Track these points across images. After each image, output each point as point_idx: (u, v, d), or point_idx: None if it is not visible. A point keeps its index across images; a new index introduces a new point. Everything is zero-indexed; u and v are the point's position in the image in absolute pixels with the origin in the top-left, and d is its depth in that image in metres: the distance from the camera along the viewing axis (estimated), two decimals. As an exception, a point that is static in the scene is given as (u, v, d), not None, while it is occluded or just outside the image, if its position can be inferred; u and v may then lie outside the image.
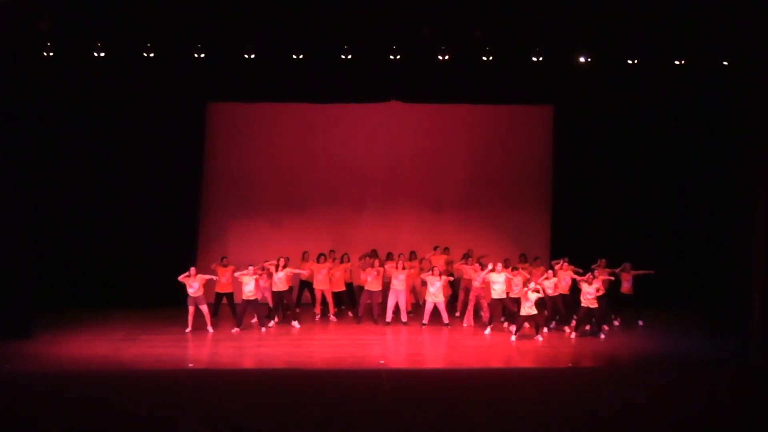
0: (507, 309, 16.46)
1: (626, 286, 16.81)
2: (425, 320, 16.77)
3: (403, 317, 16.88)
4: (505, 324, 16.56)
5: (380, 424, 10.79)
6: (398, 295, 16.85)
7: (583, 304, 15.77)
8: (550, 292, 16.21)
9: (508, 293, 16.31)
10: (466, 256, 17.66)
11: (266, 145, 19.27)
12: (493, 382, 12.96)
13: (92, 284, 17.97)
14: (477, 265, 17.03)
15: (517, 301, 16.08)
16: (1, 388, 12.37)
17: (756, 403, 11.87)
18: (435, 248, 18.32)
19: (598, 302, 15.78)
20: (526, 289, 15.65)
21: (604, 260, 16.89)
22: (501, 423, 10.83)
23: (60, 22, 14.61)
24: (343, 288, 17.66)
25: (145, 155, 18.29)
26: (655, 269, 16.92)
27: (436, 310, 16.62)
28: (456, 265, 17.66)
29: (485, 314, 16.80)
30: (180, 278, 15.95)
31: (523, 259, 18.58)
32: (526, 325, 16.08)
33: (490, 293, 16.62)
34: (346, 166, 19.40)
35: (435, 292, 16.54)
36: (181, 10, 14.92)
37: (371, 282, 16.94)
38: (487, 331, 16.36)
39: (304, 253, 17.80)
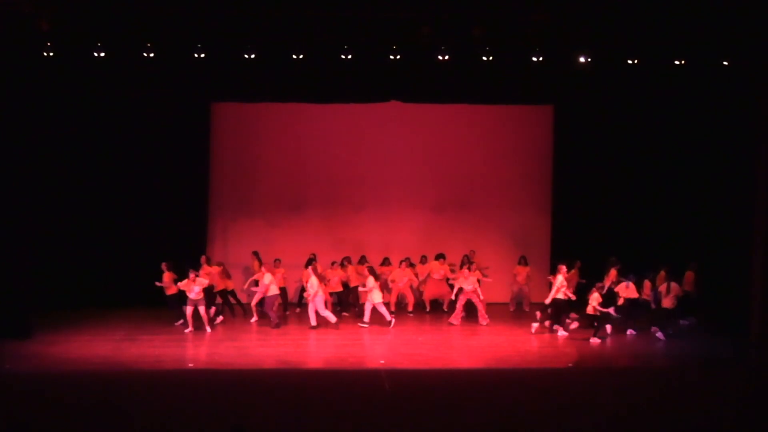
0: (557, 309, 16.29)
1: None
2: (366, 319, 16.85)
3: (387, 318, 16.84)
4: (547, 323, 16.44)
5: (380, 424, 10.79)
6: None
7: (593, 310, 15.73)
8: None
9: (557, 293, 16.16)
10: (467, 260, 17.68)
11: (266, 145, 19.31)
12: (494, 382, 12.95)
13: (92, 284, 17.96)
14: (466, 270, 17.02)
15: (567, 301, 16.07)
16: (1, 388, 12.37)
17: (756, 403, 11.86)
18: (436, 257, 18.36)
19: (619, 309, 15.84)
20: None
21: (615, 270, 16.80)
22: (501, 423, 10.81)
23: (60, 22, 14.60)
24: (340, 288, 17.71)
25: (149, 155, 18.35)
26: (654, 269, 16.88)
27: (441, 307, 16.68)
28: (455, 275, 17.71)
29: (481, 313, 16.91)
30: (181, 285, 15.97)
31: (524, 261, 18.64)
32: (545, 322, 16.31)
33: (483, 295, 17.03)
34: (346, 166, 19.42)
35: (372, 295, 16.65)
36: (181, 10, 14.91)
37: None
38: (535, 329, 16.32)
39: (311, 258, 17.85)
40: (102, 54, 15.43)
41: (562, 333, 16.17)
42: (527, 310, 18.67)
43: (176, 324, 16.57)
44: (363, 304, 17.19)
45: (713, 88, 16.99)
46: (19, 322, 15.27)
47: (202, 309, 16.04)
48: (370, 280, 16.65)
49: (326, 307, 16.80)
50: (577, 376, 13.62)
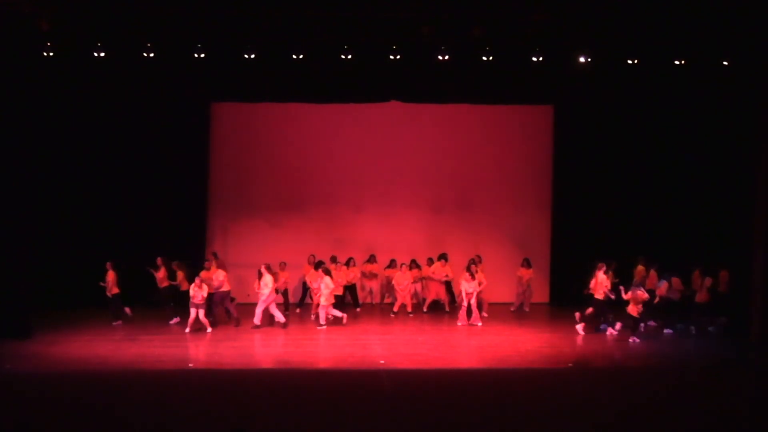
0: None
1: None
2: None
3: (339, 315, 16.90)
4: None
5: (380, 424, 10.78)
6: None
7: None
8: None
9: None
10: (473, 262, 17.73)
11: (267, 145, 19.32)
12: (493, 382, 12.95)
13: (92, 284, 17.93)
14: (468, 275, 17.06)
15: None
16: (1, 388, 12.37)
17: (756, 404, 11.86)
18: (438, 257, 18.36)
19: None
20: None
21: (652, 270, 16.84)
22: (501, 423, 10.82)
23: (60, 22, 14.61)
24: (340, 292, 17.75)
25: (149, 155, 18.37)
26: (654, 269, 16.89)
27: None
28: (458, 280, 17.66)
29: (475, 313, 16.98)
30: (192, 292, 15.95)
31: (527, 263, 18.61)
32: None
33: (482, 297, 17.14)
34: (346, 166, 19.43)
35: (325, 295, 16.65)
36: (181, 10, 14.92)
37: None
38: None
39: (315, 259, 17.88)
40: (102, 54, 15.44)
41: (611, 332, 16.17)
42: (527, 310, 18.71)
43: (114, 324, 16.53)
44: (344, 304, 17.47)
45: (713, 88, 16.99)
46: (19, 322, 15.26)
47: (201, 313, 16.02)
48: (327, 281, 16.53)
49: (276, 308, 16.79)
50: (577, 376, 13.61)
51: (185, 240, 18.34)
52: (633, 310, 15.50)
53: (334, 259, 17.87)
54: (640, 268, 16.93)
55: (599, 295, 15.98)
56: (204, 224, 19.01)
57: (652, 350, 15.17)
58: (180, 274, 17.12)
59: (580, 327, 16.21)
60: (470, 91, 17.75)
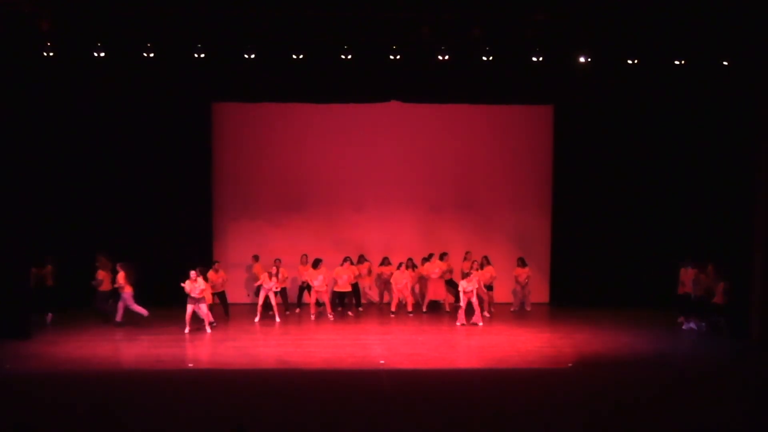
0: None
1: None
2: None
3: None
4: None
5: (380, 424, 10.79)
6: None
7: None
8: None
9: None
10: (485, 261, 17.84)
11: (267, 145, 19.32)
12: (493, 382, 12.96)
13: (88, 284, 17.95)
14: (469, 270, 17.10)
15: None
16: (1, 388, 12.37)
17: (755, 404, 11.86)
18: (430, 256, 18.38)
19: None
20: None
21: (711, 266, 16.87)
22: (501, 423, 10.82)
23: (60, 22, 14.60)
24: (348, 289, 17.81)
25: (151, 155, 18.36)
26: (654, 269, 16.90)
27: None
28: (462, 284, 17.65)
29: (477, 312, 16.99)
30: (184, 286, 15.88)
31: (521, 262, 18.60)
32: None
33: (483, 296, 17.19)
34: (347, 166, 19.42)
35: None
36: (181, 10, 14.91)
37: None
38: None
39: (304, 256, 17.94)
40: (102, 54, 15.43)
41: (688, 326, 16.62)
42: (528, 309, 18.70)
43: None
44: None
45: (713, 88, 16.98)
46: (19, 322, 15.26)
47: (204, 307, 15.98)
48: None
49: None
50: (577, 376, 13.61)
51: (191, 240, 18.33)
52: (720, 300, 15.90)
53: (315, 262, 17.83)
54: (710, 269, 16.83)
55: (690, 290, 16.49)
56: (210, 224, 18.98)
57: (653, 350, 15.18)
58: (48, 268, 16.80)
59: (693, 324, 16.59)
60: (470, 91, 17.73)
